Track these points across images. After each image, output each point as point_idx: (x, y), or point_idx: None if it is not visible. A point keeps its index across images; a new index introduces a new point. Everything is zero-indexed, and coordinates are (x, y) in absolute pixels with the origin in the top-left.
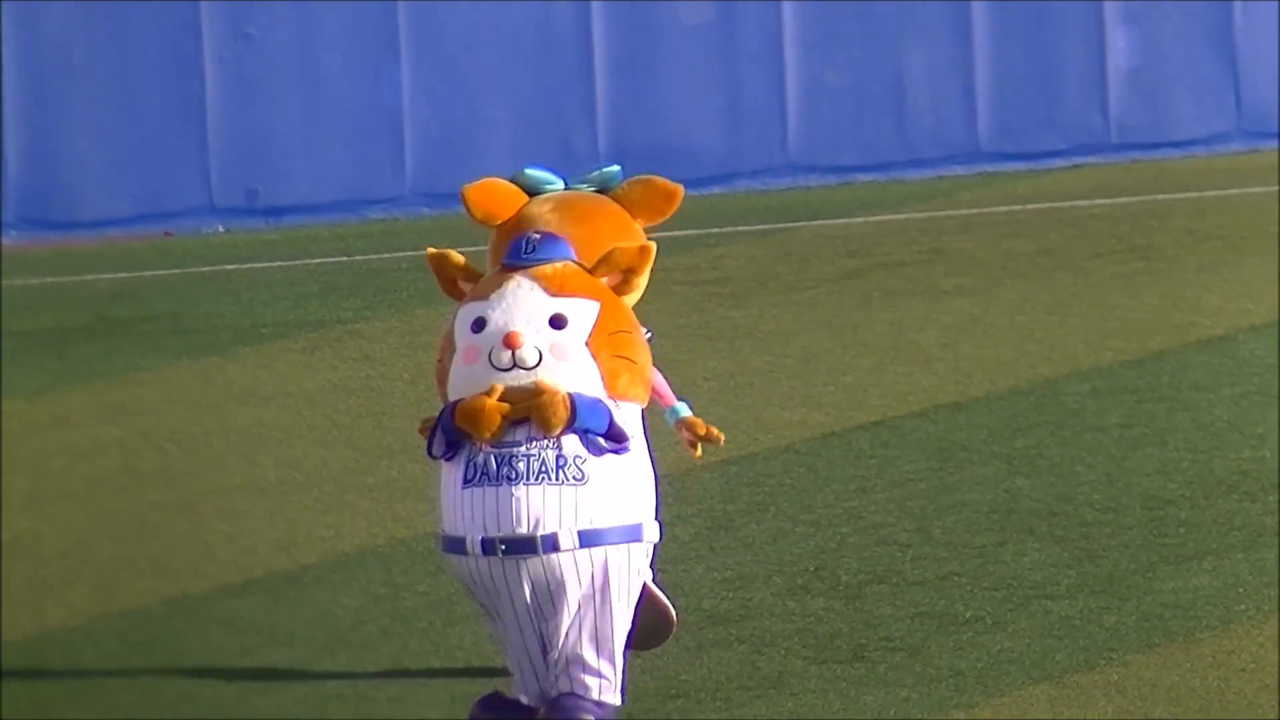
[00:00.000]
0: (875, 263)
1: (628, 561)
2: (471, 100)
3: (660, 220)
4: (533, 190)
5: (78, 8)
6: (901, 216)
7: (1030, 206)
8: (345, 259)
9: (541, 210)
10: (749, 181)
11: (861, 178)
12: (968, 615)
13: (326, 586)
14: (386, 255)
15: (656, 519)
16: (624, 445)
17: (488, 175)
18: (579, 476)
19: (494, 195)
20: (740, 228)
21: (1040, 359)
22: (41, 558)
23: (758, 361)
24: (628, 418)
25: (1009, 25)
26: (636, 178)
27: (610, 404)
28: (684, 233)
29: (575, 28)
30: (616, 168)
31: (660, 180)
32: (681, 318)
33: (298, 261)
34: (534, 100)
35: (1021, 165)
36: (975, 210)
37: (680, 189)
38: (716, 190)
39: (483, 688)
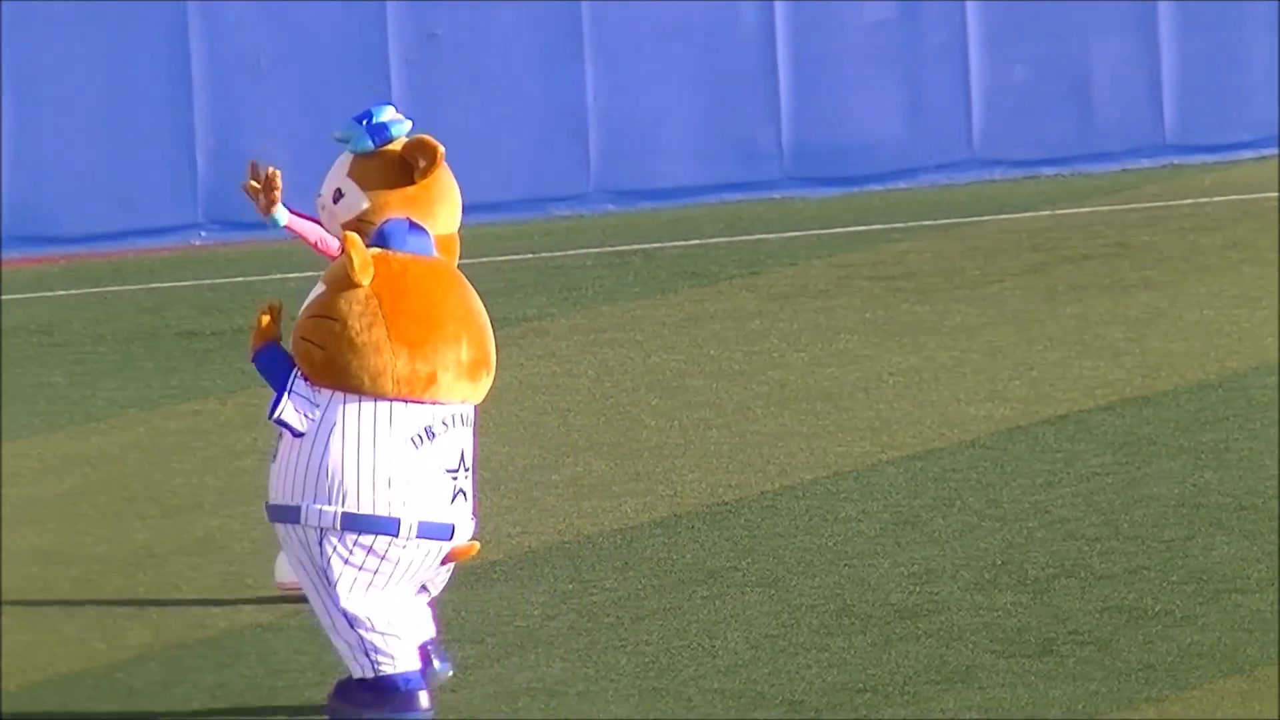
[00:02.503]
0: (1060, 257)
1: (296, 542)
2: (655, 97)
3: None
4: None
5: (264, 9)
6: (1086, 210)
7: (1216, 199)
8: (530, 256)
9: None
10: (933, 176)
11: (1046, 172)
12: (1156, 609)
13: (514, 583)
14: (571, 252)
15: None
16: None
17: (672, 172)
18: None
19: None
20: (925, 222)
21: (1228, 352)
22: (234, 555)
23: (943, 356)
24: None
25: (1194, 18)
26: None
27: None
28: (868, 228)
29: (758, 25)
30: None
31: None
32: (866, 313)
33: (483, 259)
34: (717, 97)
35: (1207, 158)
36: (1161, 203)
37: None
38: (900, 185)
39: (672, 683)
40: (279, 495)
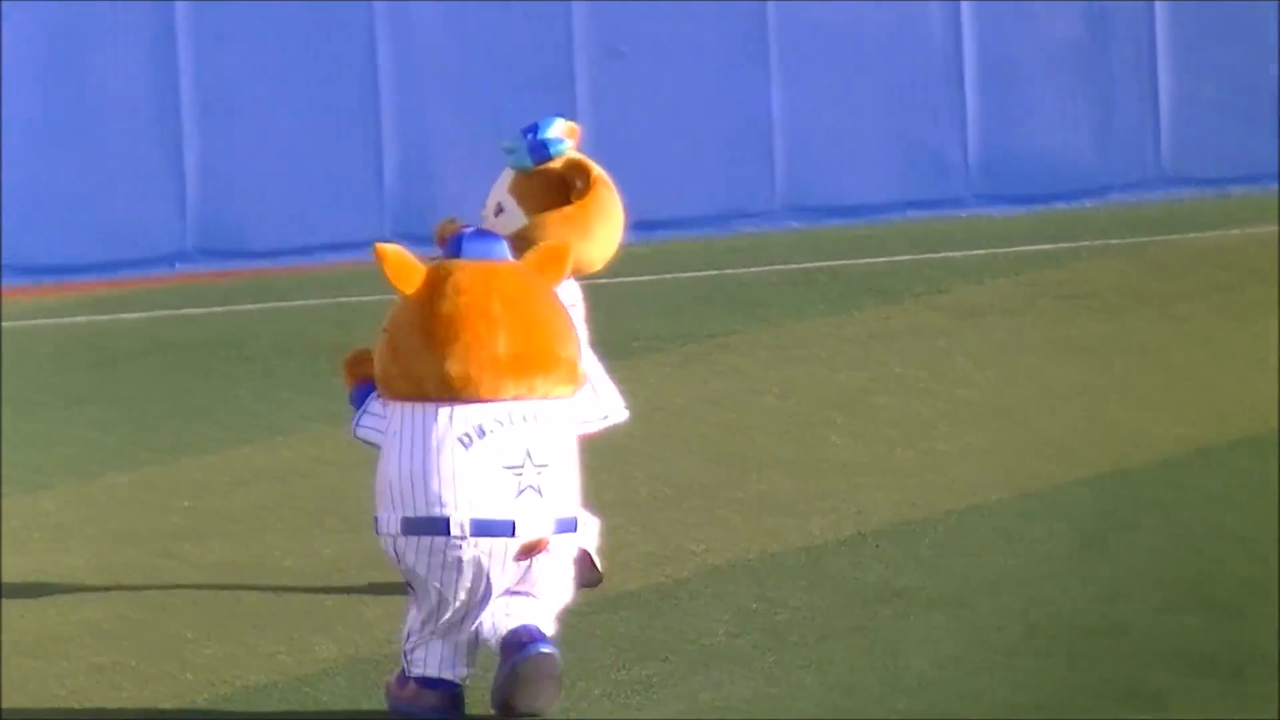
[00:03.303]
0: (1250, 276)
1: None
2: (840, 114)
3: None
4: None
5: (451, 23)
6: (1277, 229)
7: None
8: (715, 273)
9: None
10: (1121, 194)
11: (1236, 190)
12: None
13: (699, 601)
14: (756, 269)
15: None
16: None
17: (858, 189)
18: None
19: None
20: (1112, 241)
21: None
22: None
23: (1130, 376)
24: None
25: None
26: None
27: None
28: (1055, 246)
29: (945, 40)
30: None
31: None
32: (1053, 331)
33: (668, 275)
34: (903, 113)
35: None
36: None
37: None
38: (1088, 203)
39: (857, 703)
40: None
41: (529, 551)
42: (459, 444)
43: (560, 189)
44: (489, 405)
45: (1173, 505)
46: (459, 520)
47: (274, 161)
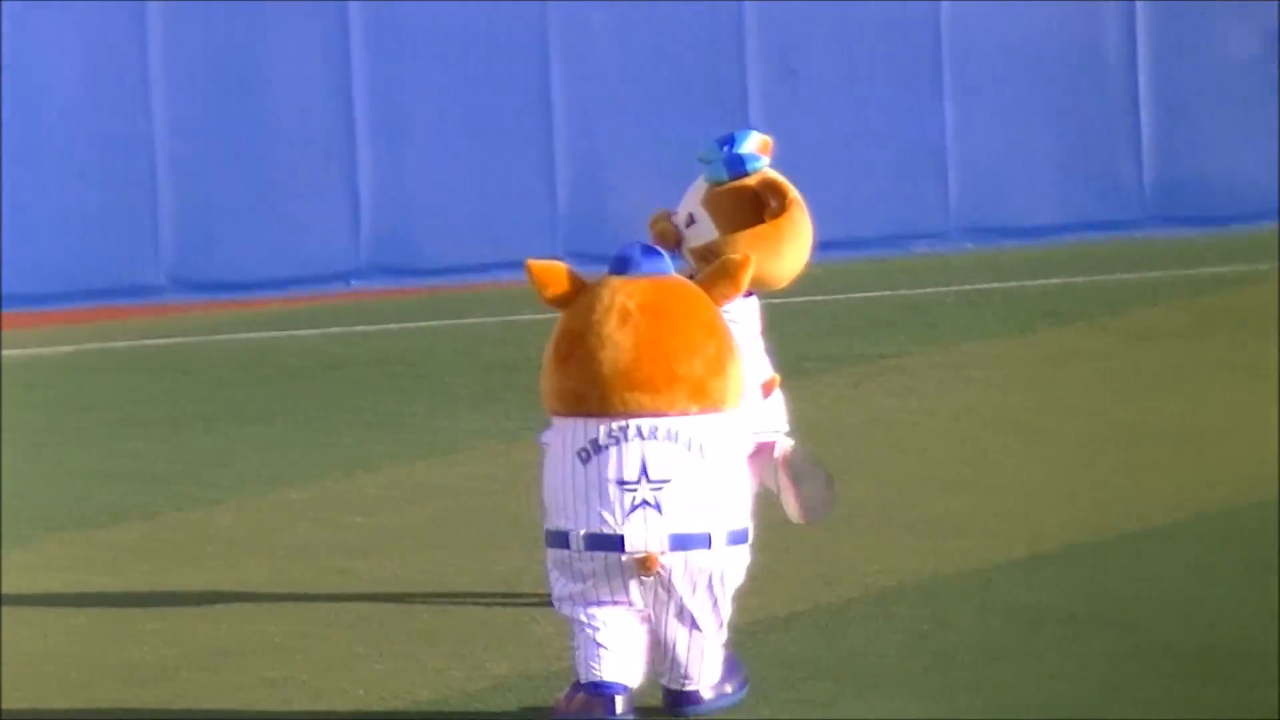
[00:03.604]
0: None
1: None
2: (1015, 134)
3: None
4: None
5: (624, 41)
6: None
7: None
8: (889, 293)
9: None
10: None
11: None
12: None
13: (870, 622)
14: (930, 290)
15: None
16: None
17: (1033, 210)
18: None
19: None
20: None
21: None
22: None
23: None
24: None
25: None
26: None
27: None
28: (1231, 269)
29: (1120, 61)
30: (753, 132)
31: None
32: (1228, 353)
33: (841, 296)
34: (1078, 134)
35: None
36: None
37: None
38: (1265, 225)
39: None
40: None
41: (644, 567)
42: (578, 459)
43: (754, 205)
44: (605, 421)
45: None
46: (577, 534)
47: (448, 179)
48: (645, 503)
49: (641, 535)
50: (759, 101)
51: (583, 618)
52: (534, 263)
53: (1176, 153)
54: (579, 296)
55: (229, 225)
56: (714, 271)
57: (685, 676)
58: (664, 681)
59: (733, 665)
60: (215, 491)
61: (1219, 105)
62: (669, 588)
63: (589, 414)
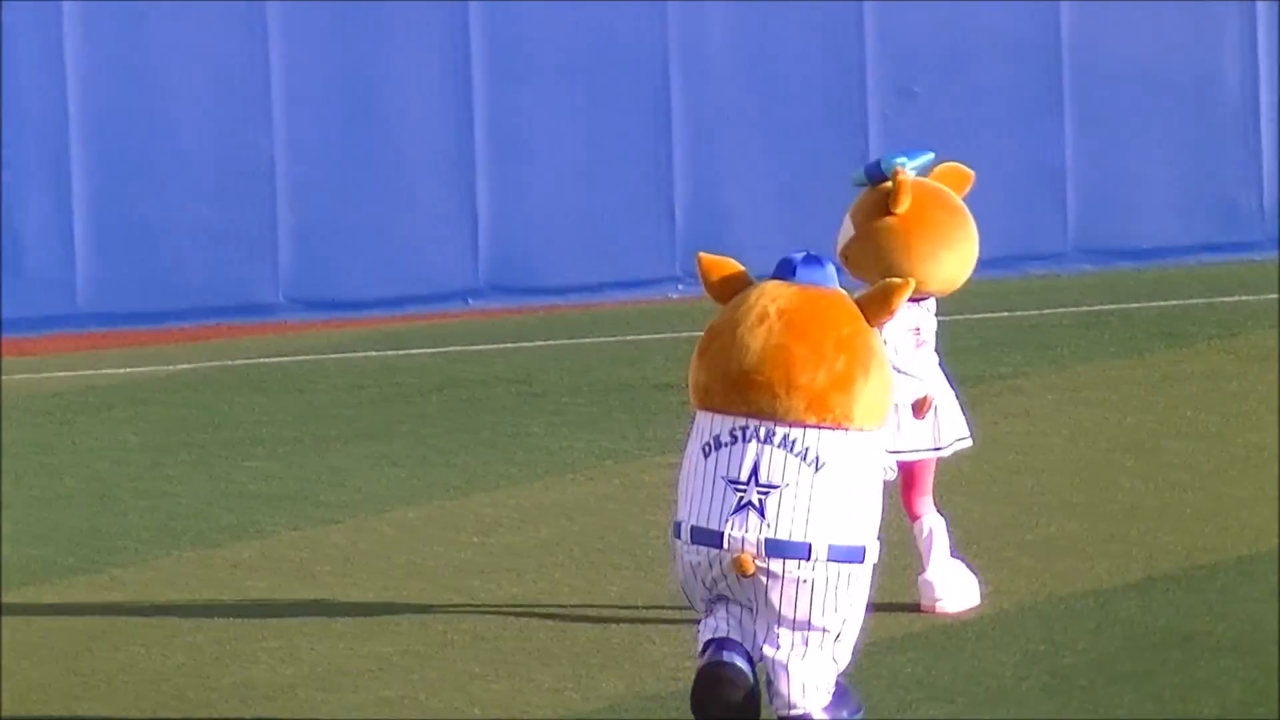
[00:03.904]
0: None
1: None
2: (1134, 156)
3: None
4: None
5: (743, 63)
6: None
7: None
8: (1006, 314)
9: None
10: None
11: None
12: None
13: (986, 643)
14: (1047, 311)
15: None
16: None
17: (1151, 231)
18: None
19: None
20: None
21: None
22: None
23: None
24: None
25: None
26: (945, 165)
27: None
28: None
29: (1241, 84)
30: (931, 154)
31: (958, 166)
32: None
33: (958, 316)
34: (1196, 156)
35: None
36: None
37: (971, 174)
38: None
39: None
40: None
41: (739, 568)
42: (701, 453)
43: (885, 206)
44: (729, 418)
45: None
46: (686, 525)
47: (565, 199)
48: (750, 504)
49: (740, 535)
50: (878, 122)
51: (700, 605)
52: (706, 255)
53: None
54: (736, 294)
55: (347, 244)
56: (872, 291)
57: (788, 701)
58: (773, 707)
59: (844, 694)
60: (331, 510)
61: None
62: (766, 595)
63: (715, 409)
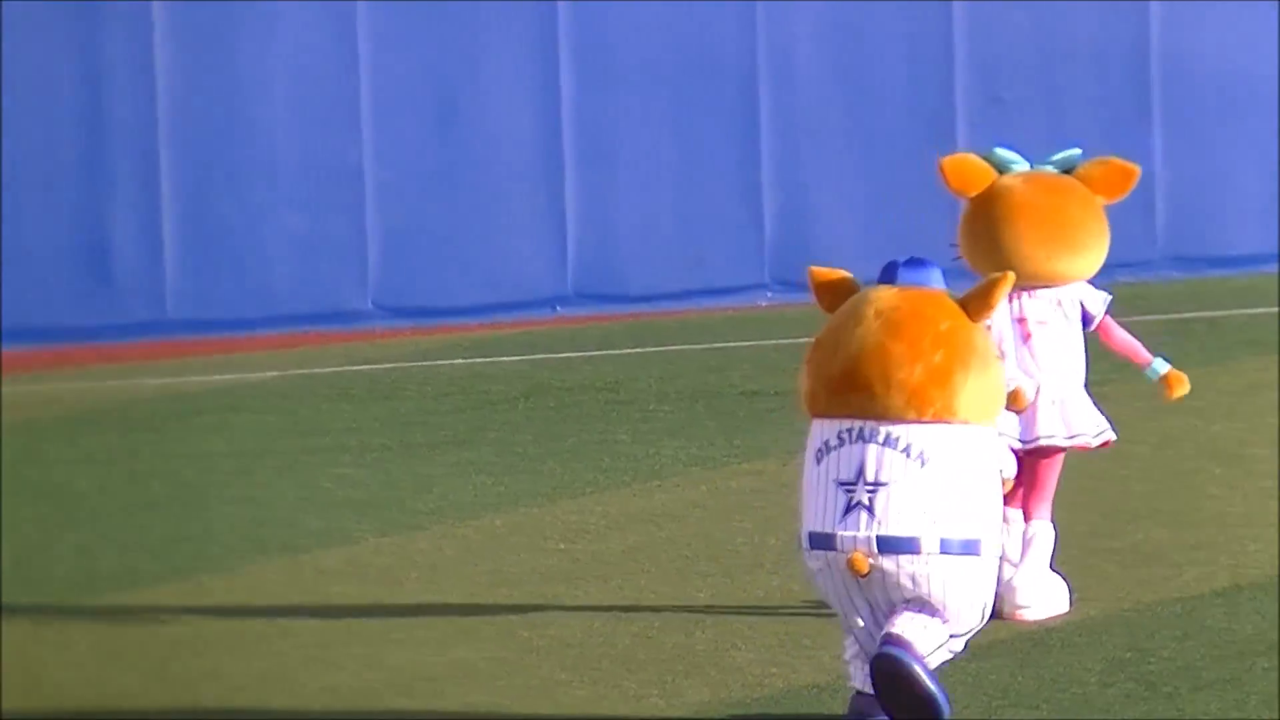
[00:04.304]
0: None
1: None
2: (1223, 163)
3: (1119, 197)
4: (1002, 168)
5: (833, 68)
6: None
7: None
8: None
9: (1013, 183)
10: None
11: None
12: None
13: (1071, 650)
14: (1135, 319)
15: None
16: None
17: (1239, 239)
18: None
19: (968, 170)
20: None
21: None
22: (792, 615)
23: None
24: None
25: None
26: (1097, 159)
27: None
28: None
29: None
30: (1078, 151)
31: (1118, 160)
32: None
33: None
34: None
35: None
36: None
37: (1137, 168)
38: None
39: None
40: None
41: (853, 568)
42: (814, 460)
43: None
44: (836, 421)
45: None
46: (805, 532)
47: (653, 206)
48: (859, 504)
49: (853, 536)
50: (966, 128)
51: (841, 619)
52: (816, 267)
53: None
54: (843, 302)
55: (435, 251)
56: (974, 287)
57: (894, 635)
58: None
59: (941, 688)
60: (417, 517)
61: None
62: (884, 593)
63: (820, 414)
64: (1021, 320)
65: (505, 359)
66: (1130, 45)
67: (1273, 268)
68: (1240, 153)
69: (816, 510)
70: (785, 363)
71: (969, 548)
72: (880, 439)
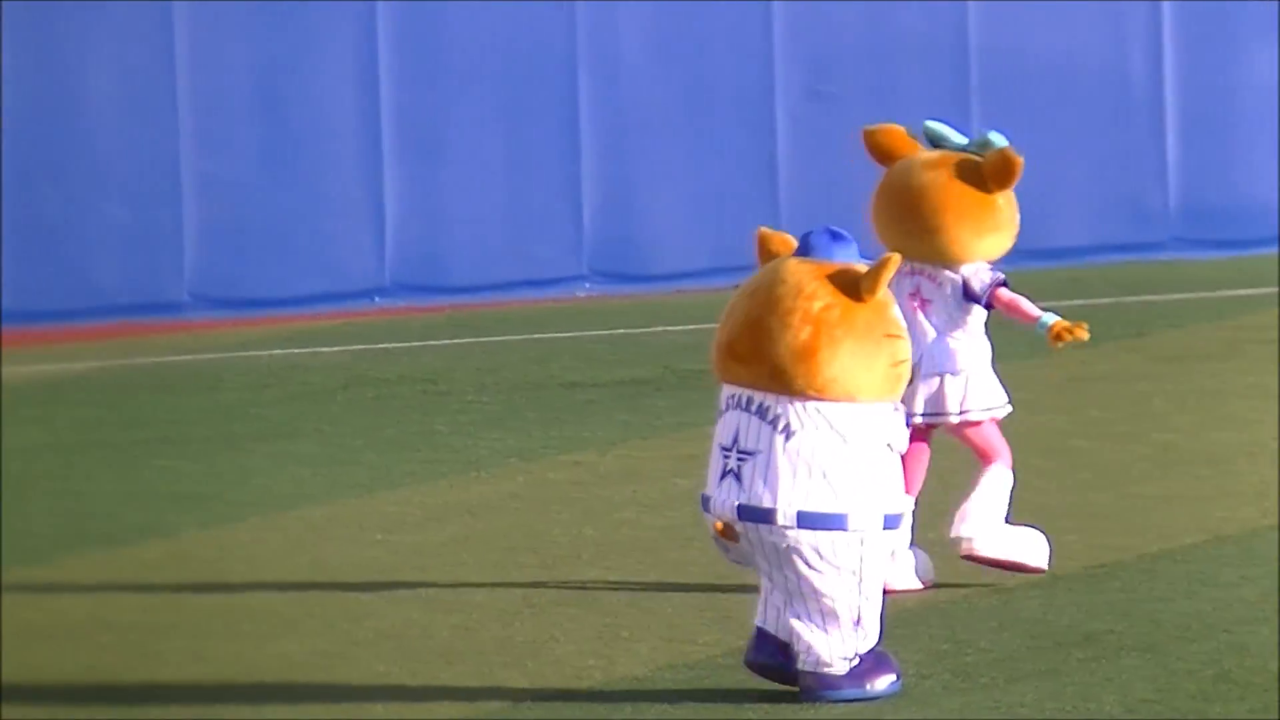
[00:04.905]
0: None
1: None
2: (1042, 157)
3: (1006, 188)
4: (935, 141)
5: (653, 63)
6: None
7: None
8: None
9: (921, 158)
10: None
11: None
12: None
13: (889, 641)
14: None
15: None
16: None
17: (1061, 232)
18: None
19: (892, 139)
20: None
21: None
22: (610, 608)
23: None
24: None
25: None
26: (1000, 149)
27: None
28: (1258, 291)
29: (1147, 84)
30: (998, 136)
31: (1008, 152)
32: (1254, 377)
33: None
34: (1103, 157)
35: None
36: None
37: (1019, 161)
38: None
39: None
40: None
41: (720, 533)
42: (717, 418)
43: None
44: (727, 387)
45: None
46: (703, 495)
47: (474, 197)
48: (731, 471)
49: (722, 501)
50: (787, 123)
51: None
52: (765, 229)
53: (1202, 176)
54: None
55: (255, 242)
56: (869, 267)
57: (804, 657)
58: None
59: (880, 661)
60: (238, 509)
61: (1245, 128)
62: (764, 561)
63: (719, 379)
64: (912, 295)
65: (325, 350)
66: (950, 39)
67: (1105, 258)
68: (1058, 146)
69: (708, 472)
70: (605, 354)
71: (833, 522)
72: (753, 408)
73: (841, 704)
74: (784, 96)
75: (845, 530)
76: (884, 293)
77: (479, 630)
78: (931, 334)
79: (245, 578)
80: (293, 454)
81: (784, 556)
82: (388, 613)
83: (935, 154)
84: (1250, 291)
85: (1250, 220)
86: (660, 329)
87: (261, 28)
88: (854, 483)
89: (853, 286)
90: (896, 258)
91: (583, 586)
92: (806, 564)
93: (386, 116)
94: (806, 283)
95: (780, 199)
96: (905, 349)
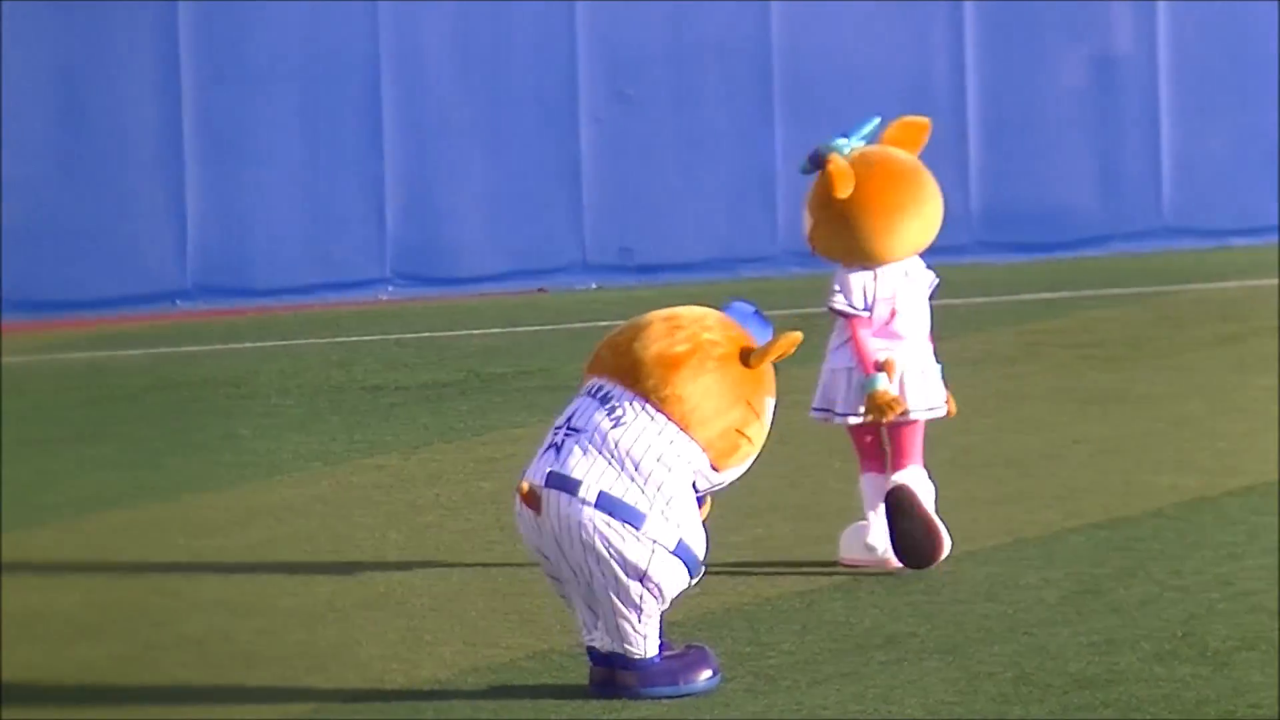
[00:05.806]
0: (1251, 328)
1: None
2: None
3: (917, 149)
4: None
5: (456, 67)
6: (1277, 281)
7: None
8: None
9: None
10: (1124, 245)
11: (1237, 242)
12: None
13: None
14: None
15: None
16: None
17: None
18: None
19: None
20: (1114, 291)
21: None
22: (413, 611)
23: (1130, 425)
24: None
25: None
26: (897, 121)
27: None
28: (1057, 295)
29: (950, 90)
30: (877, 119)
31: (909, 118)
32: (1054, 380)
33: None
34: None
35: None
36: None
37: (928, 122)
38: (1090, 253)
39: None
40: None
41: (521, 495)
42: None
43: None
44: (587, 377)
45: (1170, 555)
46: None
47: (276, 200)
48: (554, 444)
49: (535, 468)
50: (590, 125)
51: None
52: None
53: (1003, 180)
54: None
55: (58, 245)
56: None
57: (618, 652)
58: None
59: (700, 657)
60: (39, 512)
61: (1047, 133)
62: (556, 546)
63: (585, 369)
64: (890, 298)
65: (128, 353)
66: (754, 43)
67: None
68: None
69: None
70: (408, 358)
71: (628, 514)
72: (599, 395)
73: (653, 701)
74: (587, 99)
75: (637, 530)
76: (768, 371)
77: (282, 634)
78: (908, 331)
79: (44, 582)
80: (95, 457)
81: (585, 544)
82: (189, 617)
83: (861, 154)
84: (1050, 295)
85: (1050, 224)
86: (463, 332)
87: (61, 29)
88: (662, 495)
89: (746, 351)
90: (796, 337)
91: (386, 590)
92: (607, 545)
93: (188, 118)
94: (711, 320)
95: (584, 202)
96: (758, 430)
